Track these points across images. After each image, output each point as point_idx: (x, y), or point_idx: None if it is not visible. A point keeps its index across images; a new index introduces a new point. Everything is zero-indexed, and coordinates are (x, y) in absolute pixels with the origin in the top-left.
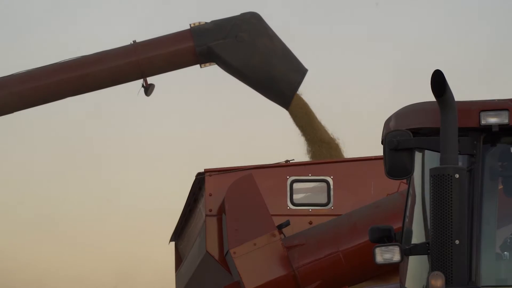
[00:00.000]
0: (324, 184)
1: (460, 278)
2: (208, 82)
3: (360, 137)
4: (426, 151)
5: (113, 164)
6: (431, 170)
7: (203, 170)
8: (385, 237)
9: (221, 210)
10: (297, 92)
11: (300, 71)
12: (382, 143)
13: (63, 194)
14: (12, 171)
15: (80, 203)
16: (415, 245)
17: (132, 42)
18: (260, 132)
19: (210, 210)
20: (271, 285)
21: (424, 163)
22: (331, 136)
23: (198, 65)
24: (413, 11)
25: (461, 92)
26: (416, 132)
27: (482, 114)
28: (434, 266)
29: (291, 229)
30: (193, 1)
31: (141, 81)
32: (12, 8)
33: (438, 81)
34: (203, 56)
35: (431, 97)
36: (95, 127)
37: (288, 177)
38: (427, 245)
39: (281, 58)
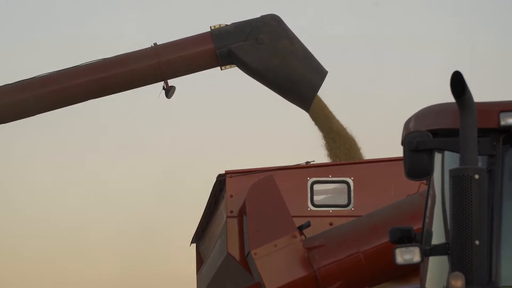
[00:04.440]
0: (344, 185)
1: (480, 279)
2: (229, 84)
3: (380, 138)
4: (446, 152)
5: (135, 166)
6: (450, 171)
7: (224, 172)
8: (405, 238)
9: (242, 211)
10: (318, 94)
11: (320, 73)
12: (402, 144)
13: (85, 195)
14: (23, 172)
15: (101, 204)
16: (435, 245)
17: (153, 45)
18: (280, 134)
19: (231, 212)
20: (292, 286)
21: (443, 164)
22: (352, 136)
23: (218, 67)
24: (430, 10)
25: (480, 92)
26: (435, 133)
27: (501, 114)
28: (454, 266)
29: (311, 230)
30: (213, 3)
31: (162, 83)
32: (34, 11)
33: (458, 82)
34: (223, 58)
35: (450, 98)
36: (116, 129)
37: (308, 178)
38: (447, 245)
39: (301, 60)
